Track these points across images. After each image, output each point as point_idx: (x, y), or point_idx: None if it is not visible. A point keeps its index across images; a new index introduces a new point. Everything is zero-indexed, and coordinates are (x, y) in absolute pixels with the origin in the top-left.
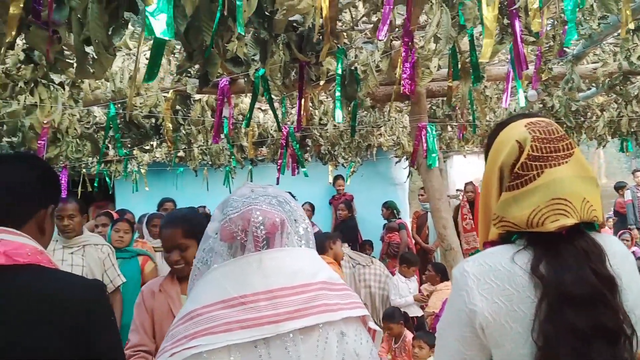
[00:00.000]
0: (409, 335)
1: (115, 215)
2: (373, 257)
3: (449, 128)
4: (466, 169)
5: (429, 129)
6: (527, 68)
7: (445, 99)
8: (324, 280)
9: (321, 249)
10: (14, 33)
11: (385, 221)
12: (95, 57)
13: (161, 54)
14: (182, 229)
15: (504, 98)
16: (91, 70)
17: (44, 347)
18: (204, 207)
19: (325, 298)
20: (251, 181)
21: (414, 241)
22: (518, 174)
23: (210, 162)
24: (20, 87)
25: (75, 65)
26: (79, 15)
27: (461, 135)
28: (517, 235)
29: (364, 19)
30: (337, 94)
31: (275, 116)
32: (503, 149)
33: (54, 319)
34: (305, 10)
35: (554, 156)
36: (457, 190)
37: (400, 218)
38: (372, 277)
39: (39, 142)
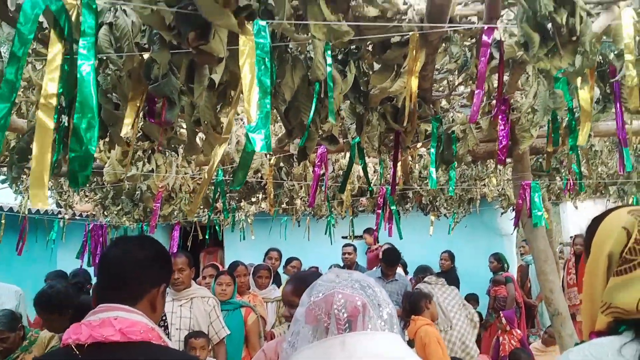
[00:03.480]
0: None
1: (221, 268)
2: (478, 311)
3: (558, 179)
4: (581, 213)
5: (533, 186)
6: (627, 136)
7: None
8: None
9: (417, 309)
10: (130, 129)
11: (492, 274)
12: (204, 136)
13: (250, 162)
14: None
15: (618, 164)
16: (200, 149)
17: None
18: (317, 267)
19: None
20: (352, 230)
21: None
22: (626, 259)
23: (312, 213)
24: (139, 155)
25: (186, 142)
26: (191, 100)
27: (567, 191)
28: (626, 327)
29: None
30: (432, 157)
31: (368, 182)
32: (609, 237)
33: None
34: (397, 92)
35: None
36: (571, 237)
37: (507, 271)
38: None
39: (155, 204)
